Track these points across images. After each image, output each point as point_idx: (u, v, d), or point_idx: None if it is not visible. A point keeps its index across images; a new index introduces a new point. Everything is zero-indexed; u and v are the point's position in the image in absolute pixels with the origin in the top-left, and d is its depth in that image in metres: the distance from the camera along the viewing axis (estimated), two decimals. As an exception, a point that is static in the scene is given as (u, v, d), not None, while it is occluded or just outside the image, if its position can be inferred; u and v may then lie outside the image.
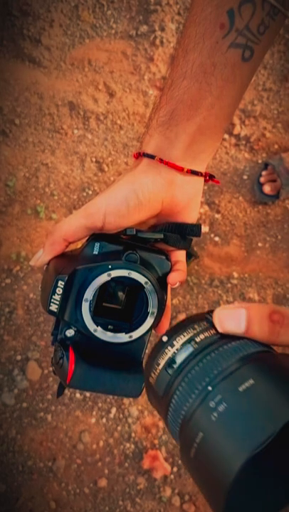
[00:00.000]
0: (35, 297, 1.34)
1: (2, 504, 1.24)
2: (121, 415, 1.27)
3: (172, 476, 1.24)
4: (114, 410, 1.27)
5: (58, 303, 0.40)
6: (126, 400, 1.28)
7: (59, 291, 0.40)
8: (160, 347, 0.28)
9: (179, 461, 1.25)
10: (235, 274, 1.37)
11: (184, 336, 0.27)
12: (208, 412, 0.23)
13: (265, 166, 1.38)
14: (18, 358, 1.30)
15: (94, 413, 1.27)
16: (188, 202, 0.46)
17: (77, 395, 1.28)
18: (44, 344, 1.31)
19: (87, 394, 1.28)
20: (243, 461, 0.20)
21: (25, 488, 1.24)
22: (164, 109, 0.42)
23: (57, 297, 0.40)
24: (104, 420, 1.27)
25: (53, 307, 0.40)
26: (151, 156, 0.44)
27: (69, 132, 1.43)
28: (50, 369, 1.30)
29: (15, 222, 1.38)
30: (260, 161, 1.42)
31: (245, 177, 1.41)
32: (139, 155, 0.45)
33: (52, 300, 0.40)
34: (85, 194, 1.40)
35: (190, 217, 0.47)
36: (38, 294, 1.34)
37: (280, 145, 1.44)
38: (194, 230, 0.48)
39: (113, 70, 1.46)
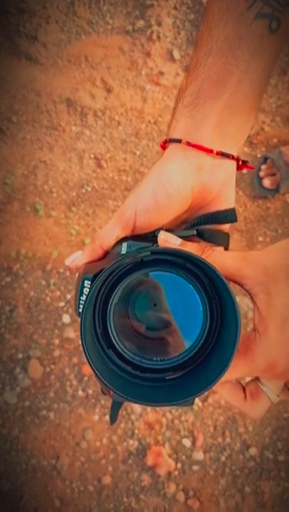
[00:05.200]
0: (36, 295, 1.33)
1: (6, 503, 1.23)
2: (124, 412, 1.27)
3: (176, 472, 1.24)
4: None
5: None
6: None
7: (86, 291, 0.37)
8: None
9: (183, 457, 1.25)
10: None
11: None
12: None
13: (265, 159, 1.37)
14: (20, 356, 1.30)
15: (97, 410, 1.27)
16: (220, 189, 0.42)
17: (80, 393, 1.28)
18: (45, 342, 1.30)
19: (90, 391, 1.28)
20: None
21: (29, 486, 1.24)
22: (190, 89, 0.40)
23: (84, 298, 0.36)
24: (107, 417, 1.26)
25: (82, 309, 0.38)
26: (178, 141, 0.41)
27: (67, 129, 1.42)
28: (52, 367, 1.29)
29: (14, 220, 1.37)
30: (259, 155, 1.42)
31: (244, 171, 1.41)
32: (166, 142, 0.42)
33: (80, 302, 0.38)
34: (84, 191, 1.39)
35: (224, 206, 0.43)
36: (39, 291, 1.34)
37: (279, 139, 1.43)
38: (228, 215, 0.43)
39: (110, 65, 1.45)
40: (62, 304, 1.33)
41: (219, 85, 0.39)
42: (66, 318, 1.32)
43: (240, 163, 0.43)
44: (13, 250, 1.35)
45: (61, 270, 1.35)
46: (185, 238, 0.39)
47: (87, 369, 1.29)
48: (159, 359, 0.36)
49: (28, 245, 1.36)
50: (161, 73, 1.45)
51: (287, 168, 1.33)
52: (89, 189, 1.39)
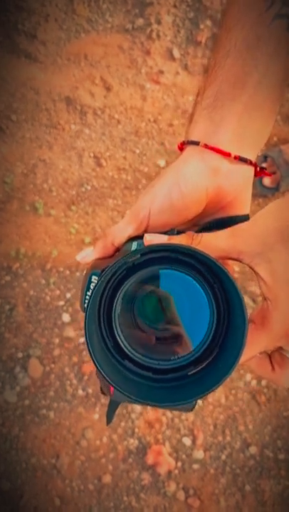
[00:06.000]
0: (35, 294, 1.33)
1: (6, 502, 1.23)
2: (124, 411, 1.27)
3: (176, 471, 1.24)
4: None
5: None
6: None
7: (93, 286, 0.37)
8: None
9: (183, 456, 1.25)
10: (236, 268, 1.37)
11: None
12: None
13: (265, 158, 1.37)
14: (20, 355, 1.30)
15: (97, 409, 1.27)
16: (236, 194, 0.41)
17: (80, 392, 1.28)
18: (45, 341, 1.30)
19: (90, 390, 1.28)
20: None
21: (29, 485, 1.24)
22: (208, 91, 0.40)
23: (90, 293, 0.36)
24: (107, 416, 1.26)
25: (87, 304, 0.37)
26: (196, 143, 0.40)
27: (66, 127, 1.42)
28: (52, 366, 1.29)
29: (13, 218, 1.37)
30: (259, 154, 1.41)
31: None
32: (183, 144, 0.42)
33: (86, 297, 0.37)
34: (83, 189, 1.39)
35: (239, 212, 0.43)
36: (38, 290, 1.33)
37: (279, 137, 1.43)
38: (242, 221, 0.41)
39: (110, 64, 1.45)
40: (62, 302, 1.33)
41: (238, 87, 0.38)
42: (66, 317, 1.31)
43: (258, 169, 0.43)
44: (13, 249, 1.35)
45: (61, 269, 1.35)
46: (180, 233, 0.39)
47: (87, 368, 1.29)
48: (176, 357, 0.35)
49: (27, 244, 1.36)
50: (161, 72, 1.45)
51: (287, 166, 1.32)
52: (88, 188, 1.39)
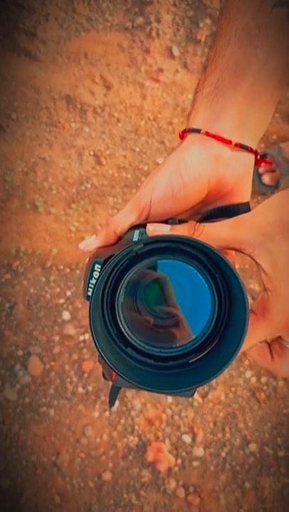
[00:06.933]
0: (36, 292, 1.33)
1: (7, 500, 1.23)
2: (124, 408, 1.27)
3: (176, 468, 1.24)
4: (117, 403, 1.27)
5: None
6: (129, 393, 1.28)
7: (96, 275, 0.37)
8: None
9: (183, 453, 1.25)
10: (236, 266, 1.37)
11: None
12: None
13: (264, 156, 1.37)
14: (20, 353, 1.30)
15: (97, 407, 1.27)
16: (237, 182, 0.42)
17: (80, 389, 1.28)
18: (45, 339, 1.30)
19: (90, 388, 1.28)
20: None
21: (30, 483, 1.24)
22: (209, 80, 0.40)
23: (94, 282, 0.37)
24: (107, 414, 1.27)
25: (91, 292, 0.37)
26: (197, 131, 0.40)
27: (66, 126, 1.42)
28: (52, 364, 1.29)
29: (14, 217, 1.37)
30: (259, 151, 1.42)
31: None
32: (184, 132, 0.42)
33: (89, 285, 0.38)
34: (83, 188, 1.39)
35: (239, 200, 0.43)
36: (38, 288, 1.34)
37: (278, 135, 1.43)
38: (241, 209, 0.42)
39: (109, 62, 1.45)
40: (62, 300, 1.33)
41: (238, 75, 0.38)
42: (66, 315, 1.32)
43: (259, 157, 0.43)
44: (13, 247, 1.35)
45: (61, 267, 1.35)
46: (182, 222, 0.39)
47: (87, 366, 1.29)
48: (178, 345, 0.36)
49: (27, 242, 1.36)
50: (161, 70, 1.45)
51: (286, 164, 1.33)
52: (88, 186, 1.39)
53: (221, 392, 1.28)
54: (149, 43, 1.45)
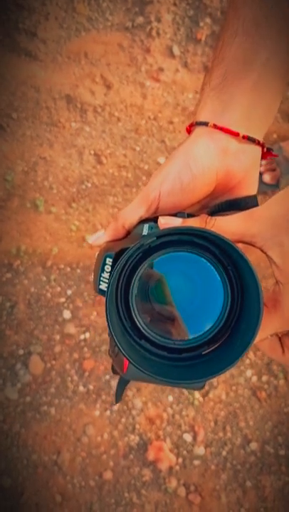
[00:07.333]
0: (36, 291, 1.33)
1: (7, 499, 1.23)
2: (125, 407, 1.27)
3: (177, 467, 1.24)
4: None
5: (108, 281, 0.37)
6: (129, 392, 1.28)
7: (108, 268, 0.38)
8: None
9: (184, 452, 1.25)
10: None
11: None
12: None
13: (270, 149, 1.37)
14: (21, 352, 1.30)
15: (98, 406, 1.27)
16: (244, 175, 0.42)
17: (81, 388, 1.28)
18: (46, 338, 1.30)
19: (91, 386, 1.28)
20: None
21: (30, 482, 1.24)
22: (217, 71, 0.40)
23: (106, 275, 0.37)
24: (108, 413, 1.27)
25: (103, 286, 0.38)
26: (205, 123, 0.40)
27: (66, 125, 1.43)
28: (53, 362, 1.29)
29: (14, 216, 1.37)
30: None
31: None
32: (192, 125, 0.42)
33: (101, 279, 0.38)
34: (84, 187, 1.39)
35: (247, 193, 0.43)
36: (39, 287, 1.34)
37: (278, 134, 1.43)
38: (249, 202, 0.42)
39: (110, 62, 1.45)
40: (62, 299, 1.33)
41: (246, 65, 0.38)
42: (67, 314, 1.32)
43: (265, 150, 0.43)
44: (14, 246, 1.35)
45: (61, 266, 1.35)
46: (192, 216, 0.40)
47: (87, 365, 1.29)
48: (191, 337, 0.36)
49: (28, 241, 1.36)
50: (161, 69, 1.45)
51: (286, 163, 1.33)
52: (89, 185, 1.40)
53: (221, 391, 1.28)
54: (150, 43, 1.46)
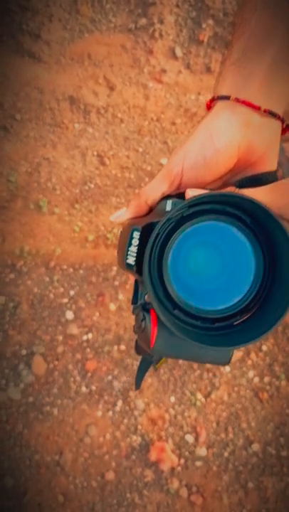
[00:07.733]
0: (40, 292, 1.34)
1: (10, 498, 1.24)
2: (127, 408, 1.27)
3: (179, 468, 1.24)
4: (120, 403, 1.27)
5: (135, 255, 0.37)
6: (132, 393, 1.28)
7: (135, 242, 0.37)
8: None
9: (186, 453, 1.25)
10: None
11: None
12: None
13: None
14: (24, 352, 1.30)
15: (100, 406, 1.27)
16: (265, 149, 0.41)
17: (83, 389, 1.28)
18: (49, 338, 1.31)
19: (93, 387, 1.28)
20: None
21: (33, 482, 1.24)
22: (236, 46, 0.39)
23: (134, 249, 0.37)
24: (110, 413, 1.27)
25: (130, 260, 0.37)
26: (226, 97, 0.40)
27: (70, 126, 1.43)
28: (56, 363, 1.30)
29: (17, 217, 1.38)
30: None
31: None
32: (213, 100, 0.42)
33: (129, 252, 0.37)
34: (87, 188, 1.40)
35: (267, 169, 0.42)
36: (42, 288, 1.34)
37: (281, 135, 1.43)
38: (270, 178, 0.42)
39: (113, 63, 1.46)
40: (65, 300, 1.33)
41: (266, 40, 0.38)
42: (69, 315, 1.32)
43: (285, 125, 0.42)
44: (17, 247, 1.36)
45: (64, 267, 1.35)
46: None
47: (90, 365, 1.30)
48: (224, 307, 0.37)
49: (31, 242, 1.37)
50: (164, 71, 1.45)
51: (288, 164, 1.33)
52: (92, 186, 1.40)
53: (223, 392, 1.28)
54: (152, 44, 1.46)
